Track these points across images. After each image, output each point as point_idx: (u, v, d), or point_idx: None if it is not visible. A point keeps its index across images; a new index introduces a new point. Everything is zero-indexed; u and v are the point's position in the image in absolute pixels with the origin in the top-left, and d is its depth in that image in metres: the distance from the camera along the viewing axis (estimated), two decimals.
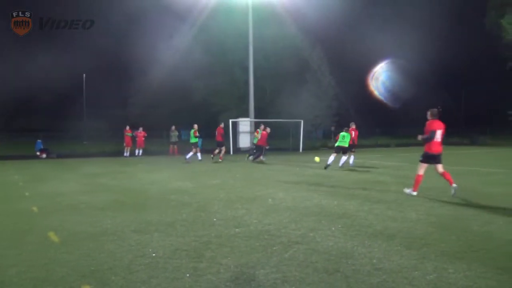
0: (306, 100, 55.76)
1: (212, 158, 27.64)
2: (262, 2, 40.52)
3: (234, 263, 6.31)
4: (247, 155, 28.56)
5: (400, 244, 7.25)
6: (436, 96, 65.59)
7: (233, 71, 50.25)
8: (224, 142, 28.31)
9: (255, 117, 40.88)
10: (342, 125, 25.84)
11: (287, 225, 8.73)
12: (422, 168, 12.85)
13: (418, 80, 64.61)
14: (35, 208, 10.92)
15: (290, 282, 5.57)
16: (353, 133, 22.83)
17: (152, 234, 8.05)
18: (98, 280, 5.71)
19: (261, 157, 26.77)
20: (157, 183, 16.27)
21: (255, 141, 27.56)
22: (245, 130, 39.52)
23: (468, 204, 11.05)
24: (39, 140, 33.32)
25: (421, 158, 12.89)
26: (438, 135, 12.51)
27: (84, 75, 63.44)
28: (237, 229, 8.35)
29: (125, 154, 32.58)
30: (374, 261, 6.39)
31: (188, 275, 5.83)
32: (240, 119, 39.99)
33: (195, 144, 26.71)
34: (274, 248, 7.06)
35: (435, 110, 12.84)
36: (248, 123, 39.96)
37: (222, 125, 28.78)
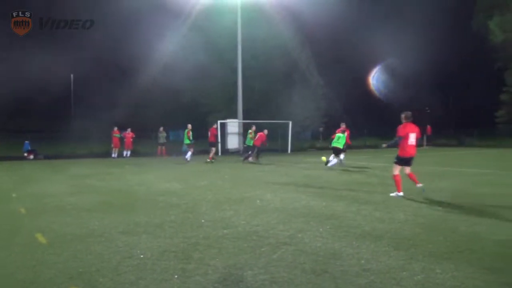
0: (295, 101, 55.81)
1: (209, 160, 27.64)
2: (251, 2, 40.55)
3: (222, 264, 6.30)
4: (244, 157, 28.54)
5: (388, 245, 7.28)
6: (424, 97, 65.93)
7: (222, 72, 50.19)
8: (217, 142, 28.41)
9: (244, 118, 40.89)
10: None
11: (275, 226, 8.73)
12: (396, 169, 12.92)
13: (406, 81, 64.86)
14: (22, 210, 10.88)
15: (278, 283, 5.57)
16: (345, 133, 22.93)
17: (140, 235, 8.03)
18: (85, 282, 5.69)
19: (250, 158, 26.83)
20: (145, 184, 16.24)
21: (249, 143, 27.56)
22: (234, 131, 39.50)
23: (455, 205, 11.10)
24: (26, 141, 33.13)
25: (395, 160, 12.99)
26: (412, 138, 12.65)
27: (71, 75, 63.19)
28: (225, 230, 8.34)
29: (113, 155, 32.48)
30: (362, 261, 6.41)
31: (176, 276, 5.82)
32: (228, 120, 39.95)
33: (190, 145, 26.78)
34: (262, 249, 7.07)
35: (409, 113, 12.95)
36: (237, 124, 39.94)
37: (215, 125, 28.85)
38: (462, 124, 58.88)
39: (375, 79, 64.56)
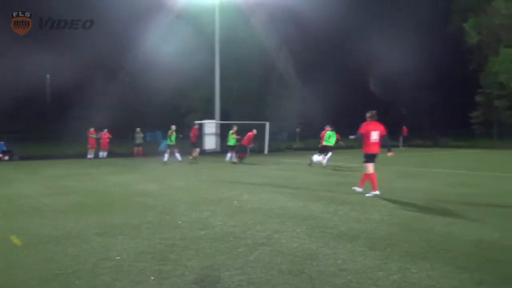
0: (272, 102, 55.87)
1: (192, 160, 27.70)
2: (229, 3, 40.57)
3: (199, 266, 6.30)
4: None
5: (364, 245, 7.32)
6: (401, 98, 66.30)
7: (200, 72, 50.04)
8: (199, 143, 28.51)
9: (221, 119, 40.87)
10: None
11: (252, 227, 8.74)
12: (369, 167, 13.17)
13: (384, 82, 65.20)
14: None
15: (255, 284, 5.58)
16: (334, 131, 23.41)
17: (116, 236, 7.99)
18: (61, 284, 5.65)
19: (233, 158, 26.96)
20: (121, 185, 16.15)
21: (230, 143, 27.55)
22: (211, 132, 39.48)
23: (430, 205, 11.21)
24: (1, 142, 32.73)
25: (364, 159, 13.32)
26: (375, 136, 12.97)
27: (47, 76, 62.54)
28: (202, 231, 8.33)
29: (89, 156, 32.24)
30: (339, 262, 6.44)
31: (153, 278, 5.80)
32: (205, 121, 39.89)
33: (173, 146, 26.72)
34: (239, 250, 7.07)
35: (374, 112, 13.31)
36: (214, 125, 39.93)
37: (196, 126, 28.88)
38: (438, 125, 59.31)
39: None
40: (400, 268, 6.14)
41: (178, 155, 26.66)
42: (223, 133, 40.73)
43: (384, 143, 13.41)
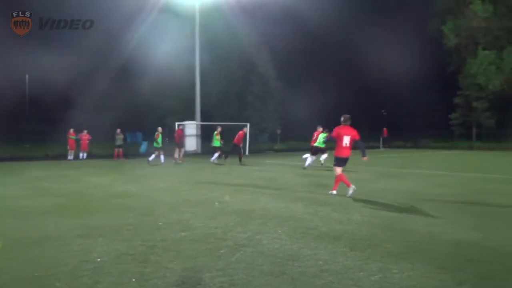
0: (252, 103, 55.99)
1: (174, 162, 27.73)
2: (210, 4, 40.54)
3: (181, 267, 6.27)
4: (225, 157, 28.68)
5: (345, 246, 7.35)
6: (381, 100, 66.75)
7: (180, 73, 49.94)
8: (183, 144, 28.66)
9: (202, 120, 40.84)
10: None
11: (234, 228, 8.73)
12: (338, 170, 13.45)
13: (365, 84, 65.60)
14: None
15: (236, 285, 5.57)
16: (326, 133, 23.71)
17: (96, 238, 7.93)
18: (41, 286, 5.59)
19: (215, 159, 27.03)
20: (101, 186, 16.04)
21: (215, 144, 27.57)
22: (191, 133, 39.43)
23: (411, 206, 11.28)
24: None
25: (334, 163, 13.53)
26: (346, 140, 13.13)
27: (27, 76, 62.04)
28: (183, 233, 8.30)
29: (69, 157, 31.99)
30: (320, 262, 6.45)
31: (134, 280, 5.76)
32: (186, 122, 39.82)
33: (160, 148, 26.76)
34: (221, 251, 7.06)
35: (347, 116, 13.44)
36: (194, 126, 39.89)
37: (181, 127, 28.92)
38: (418, 126, 59.82)
39: None
40: (381, 269, 6.16)
41: (162, 157, 26.65)
42: (204, 135, 40.77)
43: (359, 148, 13.57)
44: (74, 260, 6.60)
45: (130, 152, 34.71)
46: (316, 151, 23.54)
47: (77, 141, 32.64)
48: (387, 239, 7.83)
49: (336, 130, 13.29)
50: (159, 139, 26.91)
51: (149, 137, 34.60)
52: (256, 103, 55.93)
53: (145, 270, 6.15)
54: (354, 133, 13.24)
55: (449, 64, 56.67)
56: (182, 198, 12.88)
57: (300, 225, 8.95)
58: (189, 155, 35.84)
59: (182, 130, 29.73)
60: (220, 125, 28.96)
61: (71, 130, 32.61)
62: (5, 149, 33.83)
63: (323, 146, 23.05)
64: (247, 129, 28.93)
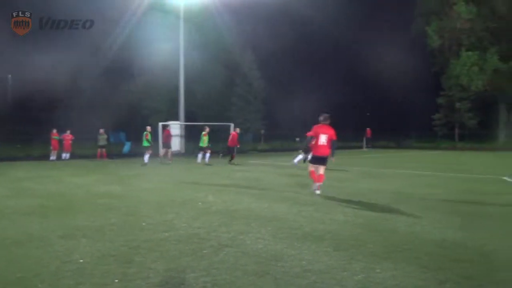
0: (236, 103, 55.97)
1: (160, 161, 27.90)
2: (194, 4, 40.51)
3: (164, 268, 6.25)
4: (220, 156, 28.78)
5: (329, 246, 7.36)
6: (365, 100, 67.02)
7: (164, 74, 49.78)
8: (170, 144, 28.81)
9: (186, 120, 40.78)
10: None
11: (217, 228, 8.72)
12: (310, 167, 13.89)
13: (346, 85, 65.79)
14: None
15: (220, 285, 5.56)
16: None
17: (79, 239, 7.88)
18: (24, 287, 5.57)
19: (200, 160, 27.10)
20: (84, 187, 15.95)
21: (201, 144, 27.55)
22: (175, 133, 39.33)
23: (394, 206, 11.32)
24: None
25: (309, 159, 14.10)
26: (323, 139, 13.33)
27: (9, 76, 61.54)
28: (166, 233, 8.28)
29: (51, 158, 31.79)
30: (304, 262, 6.46)
31: (117, 280, 5.73)
32: (170, 122, 39.70)
33: (149, 147, 26.69)
34: (204, 251, 7.04)
35: (326, 115, 13.66)
36: (178, 126, 39.81)
37: (169, 127, 28.98)
38: (401, 127, 60.15)
39: None
40: (364, 268, 6.18)
41: (146, 157, 26.55)
42: (189, 135, 40.73)
43: (331, 147, 13.66)
44: (57, 261, 6.56)
45: (114, 152, 34.54)
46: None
47: (60, 141, 32.44)
48: (371, 239, 7.86)
49: (314, 129, 13.52)
50: (149, 138, 26.91)
51: (133, 137, 34.53)
52: (239, 103, 55.94)
53: (128, 270, 6.12)
54: (332, 132, 13.44)
55: (433, 64, 57.03)
56: (165, 198, 12.84)
57: (283, 225, 8.96)
58: (173, 155, 35.75)
59: (170, 130, 29.80)
60: (206, 126, 28.94)
61: (54, 131, 32.41)
62: None
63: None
64: (238, 130, 29.07)
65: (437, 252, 7.09)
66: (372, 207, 11.17)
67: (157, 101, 52.31)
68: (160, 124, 33.44)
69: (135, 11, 41.93)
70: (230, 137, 27.96)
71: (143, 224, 9.15)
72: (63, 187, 16.11)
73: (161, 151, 28.95)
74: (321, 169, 13.55)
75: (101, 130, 33.35)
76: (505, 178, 18.68)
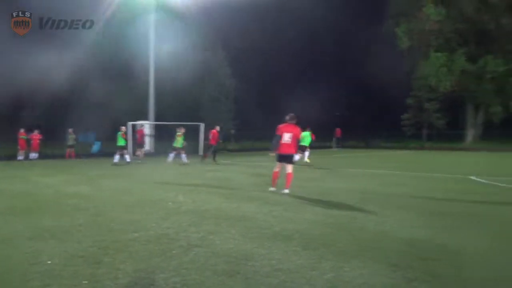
0: (206, 103, 55.80)
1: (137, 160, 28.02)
2: (165, 3, 40.38)
3: (133, 268, 6.21)
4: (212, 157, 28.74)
5: (299, 245, 7.39)
6: (334, 99, 67.33)
7: (134, 73, 49.48)
8: (144, 143, 28.95)
9: (155, 120, 40.61)
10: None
11: (187, 228, 8.70)
12: (276, 166, 14.14)
13: (316, 84, 66.07)
14: None
15: (189, 285, 5.55)
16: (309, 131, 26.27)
17: (47, 240, 7.78)
18: None
19: (169, 159, 27.01)
20: (52, 187, 15.76)
21: (175, 144, 27.47)
22: (145, 133, 39.14)
23: (364, 205, 11.40)
24: None
25: (275, 158, 14.00)
26: (287, 137, 13.61)
27: None
28: (135, 234, 8.22)
29: (18, 157, 31.37)
30: (273, 262, 6.47)
31: (85, 282, 5.67)
32: (139, 122, 39.46)
33: (124, 147, 26.59)
34: (174, 251, 7.02)
35: (292, 115, 13.97)
36: (148, 126, 39.61)
37: (143, 127, 28.92)
38: (370, 127, 60.66)
39: None
40: (334, 267, 6.22)
41: (117, 157, 26.37)
42: (158, 135, 40.57)
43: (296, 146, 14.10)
44: (25, 263, 6.47)
45: (83, 152, 34.22)
46: (300, 149, 24.89)
47: (28, 141, 32.04)
48: (340, 238, 7.91)
49: (280, 129, 13.75)
50: (126, 137, 26.96)
51: (103, 137, 34.24)
52: (210, 103, 55.81)
53: (97, 271, 6.07)
54: (296, 131, 13.74)
55: (402, 65, 57.62)
56: (135, 198, 12.76)
57: (253, 225, 8.98)
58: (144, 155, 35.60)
59: (143, 130, 29.83)
60: (181, 126, 28.85)
61: (22, 130, 32.00)
62: None
63: (307, 144, 25.15)
64: (218, 128, 29.16)
65: (405, 250, 7.16)
66: (341, 206, 11.24)
67: (127, 101, 51.97)
68: (130, 123, 33.23)
69: (104, 10, 41.58)
70: (211, 135, 27.94)
71: (112, 224, 9.08)
72: (31, 187, 15.91)
73: (138, 151, 28.99)
74: (289, 168, 13.79)
75: (70, 130, 33.04)
76: (472, 177, 18.96)
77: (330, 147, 51.25)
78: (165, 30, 44.85)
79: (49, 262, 6.51)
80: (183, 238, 7.89)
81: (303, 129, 25.04)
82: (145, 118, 40.84)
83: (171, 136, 28.00)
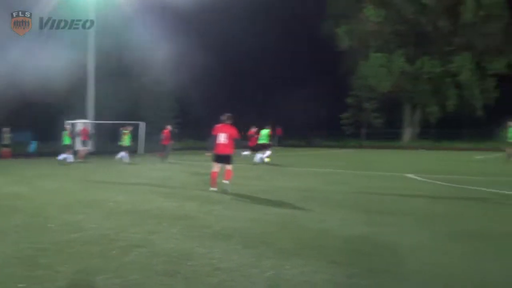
0: (148, 102, 55.28)
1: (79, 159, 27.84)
2: (107, 1, 40.01)
3: (72, 270, 6.10)
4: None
5: (239, 243, 7.40)
6: (275, 99, 67.64)
7: (72, 71, 48.61)
8: (88, 142, 28.81)
9: (95, 118, 40.07)
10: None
11: (128, 228, 8.60)
12: (213, 166, 14.34)
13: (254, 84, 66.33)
14: None
15: (130, 286, 5.49)
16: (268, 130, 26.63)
17: None
18: None
19: (125, 159, 26.80)
20: None
21: (121, 143, 27.16)
22: (89, 132, 38.60)
23: (304, 203, 11.50)
24: None
25: (212, 158, 14.25)
26: (222, 138, 13.88)
27: None
28: (74, 235, 8.08)
29: None
30: (214, 261, 6.47)
31: (21, 285, 5.54)
32: (78, 120, 38.79)
33: (69, 146, 26.17)
34: (114, 252, 6.93)
35: (228, 115, 14.26)
36: (88, 125, 39.03)
37: (87, 126, 28.60)
38: (310, 126, 61.22)
39: None
40: (274, 265, 6.25)
41: (63, 156, 25.89)
42: (98, 134, 40.03)
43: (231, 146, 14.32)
44: None
45: (19, 152, 33.42)
46: (260, 148, 25.48)
47: None
48: (280, 236, 7.97)
49: (215, 129, 14.02)
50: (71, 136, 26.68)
51: (39, 136, 33.53)
52: (151, 101, 55.32)
53: (34, 273, 5.93)
54: (232, 131, 13.97)
55: (342, 65, 58.40)
56: (74, 198, 12.54)
57: (194, 224, 8.96)
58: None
59: (87, 129, 29.57)
60: (127, 125, 28.62)
61: None
62: None
63: (267, 141, 25.72)
64: (170, 127, 29.07)
65: (345, 247, 7.28)
66: (282, 205, 11.32)
67: (65, 100, 51.00)
68: (70, 122, 32.62)
69: (42, 8, 40.75)
70: (163, 135, 27.88)
71: (50, 225, 8.90)
72: None
73: (82, 149, 28.73)
74: (227, 166, 14.00)
75: (6, 129, 32.24)
76: (409, 175, 19.39)
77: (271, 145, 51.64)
78: (105, 29, 44.28)
79: None
80: (124, 238, 7.80)
81: (262, 127, 25.67)
82: (84, 116, 40.22)
83: (112, 135, 27.77)
